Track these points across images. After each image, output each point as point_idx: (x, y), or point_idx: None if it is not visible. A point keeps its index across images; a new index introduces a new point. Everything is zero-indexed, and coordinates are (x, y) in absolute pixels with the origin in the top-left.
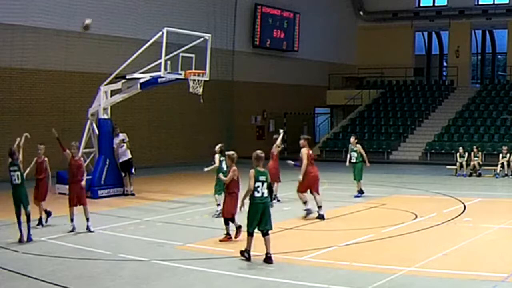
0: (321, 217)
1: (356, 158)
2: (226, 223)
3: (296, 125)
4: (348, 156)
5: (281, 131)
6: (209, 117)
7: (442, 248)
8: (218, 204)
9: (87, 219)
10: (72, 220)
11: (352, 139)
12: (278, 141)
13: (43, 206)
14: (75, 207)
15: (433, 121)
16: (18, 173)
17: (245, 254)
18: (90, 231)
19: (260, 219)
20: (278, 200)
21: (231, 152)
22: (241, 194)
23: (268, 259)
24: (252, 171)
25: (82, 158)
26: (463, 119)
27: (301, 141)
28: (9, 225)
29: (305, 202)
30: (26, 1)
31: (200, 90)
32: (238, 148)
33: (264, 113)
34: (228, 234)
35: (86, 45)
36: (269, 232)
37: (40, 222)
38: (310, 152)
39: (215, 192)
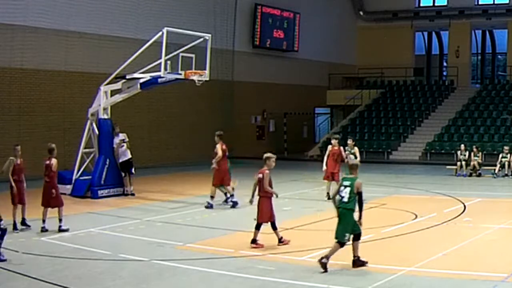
0: (235, 204)
1: None
2: (257, 228)
3: (296, 125)
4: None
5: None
6: (209, 117)
7: (442, 248)
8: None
9: (60, 220)
10: (44, 221)
11: (350, 141)
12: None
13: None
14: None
15: (433, 121)
16: None
17: (323, 260)
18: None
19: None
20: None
21: (268, 155)
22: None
23: (354, 263)
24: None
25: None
26: (463, 119)
27: (216, 137)
28: (8, 225)
29: (212, 197)
30: (26, 1)
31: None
32: (238, 148)
33: (264, 113)
34: (254, 239)
35: (86, 45)
36: (359, 238)
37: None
38: (224, 147)
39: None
